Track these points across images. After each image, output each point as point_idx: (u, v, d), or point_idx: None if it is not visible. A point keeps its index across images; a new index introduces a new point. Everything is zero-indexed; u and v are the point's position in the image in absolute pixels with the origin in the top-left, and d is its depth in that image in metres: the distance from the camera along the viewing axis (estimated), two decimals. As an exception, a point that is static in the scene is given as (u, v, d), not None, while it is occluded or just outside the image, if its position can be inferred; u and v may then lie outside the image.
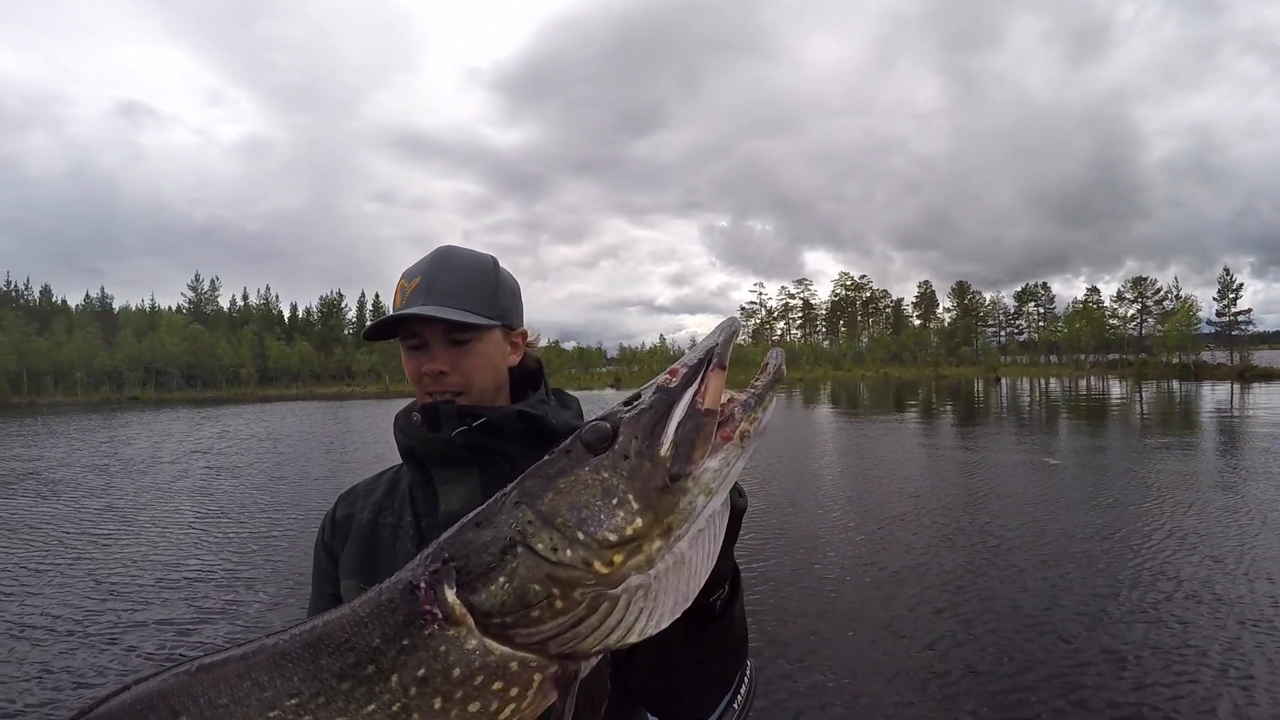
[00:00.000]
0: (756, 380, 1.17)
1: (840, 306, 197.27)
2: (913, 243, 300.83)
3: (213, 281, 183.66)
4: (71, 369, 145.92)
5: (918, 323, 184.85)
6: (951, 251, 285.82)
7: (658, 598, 1.07)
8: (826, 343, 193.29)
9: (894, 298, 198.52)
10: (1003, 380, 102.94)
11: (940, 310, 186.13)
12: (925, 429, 34.47)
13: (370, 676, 1.07)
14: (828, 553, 12.03)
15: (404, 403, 2.04)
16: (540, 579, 1.05)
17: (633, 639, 1.07)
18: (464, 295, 1.87)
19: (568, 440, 1.17)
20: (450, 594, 1.07)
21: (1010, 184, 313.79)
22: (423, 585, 1.09)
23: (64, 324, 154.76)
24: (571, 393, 2.04)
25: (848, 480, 19.53)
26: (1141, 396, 59.95)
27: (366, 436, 39.21)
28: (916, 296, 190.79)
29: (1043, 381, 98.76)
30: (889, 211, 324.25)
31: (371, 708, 1.05)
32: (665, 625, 1.08)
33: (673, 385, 1.15)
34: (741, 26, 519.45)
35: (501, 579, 1.06)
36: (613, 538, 1.05)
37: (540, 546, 1.06)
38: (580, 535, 1.06)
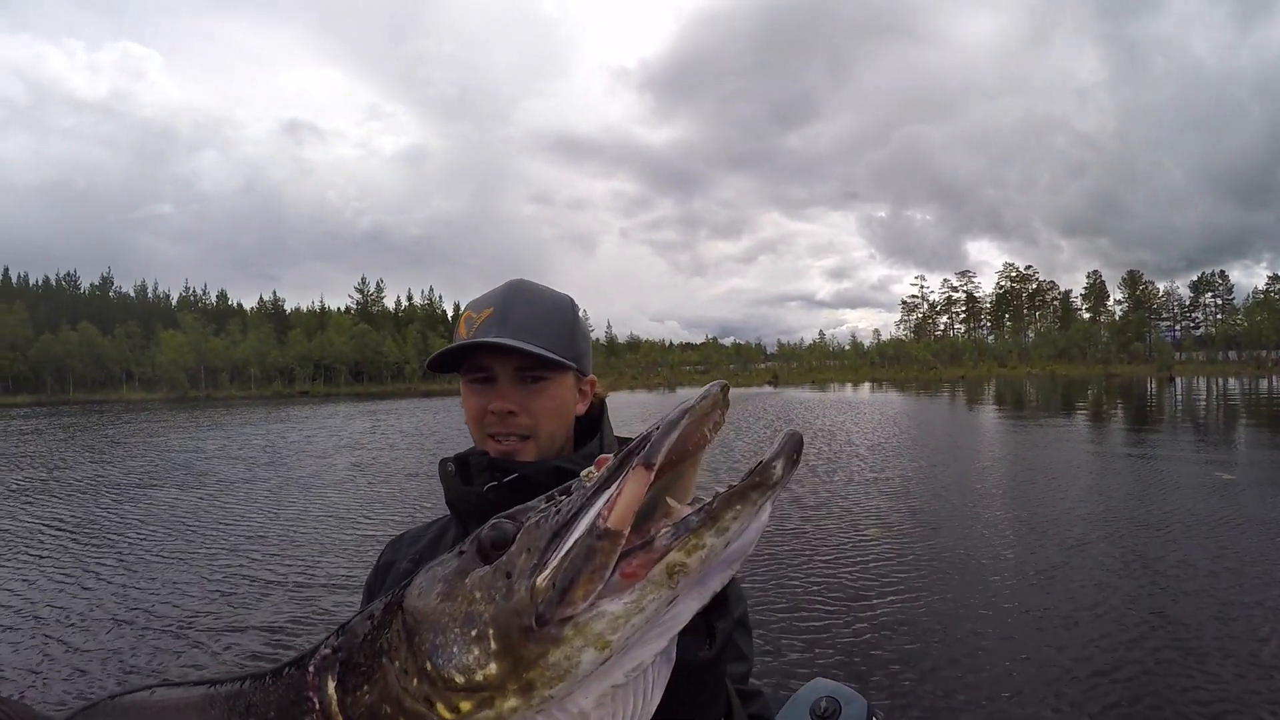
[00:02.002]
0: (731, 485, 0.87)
1: (1005, 299, 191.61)
2: (1080, 229, 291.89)
3: (378, 284, 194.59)
4: (246, 365, 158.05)
5: (1087, 316, 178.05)
6: (1122, 238, 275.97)
7: None
8: (991, 338, 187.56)
9: (1061, 289, 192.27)
10: (1177, 379, 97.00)
11: (1111, 302, 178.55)
12: (1094, 435, 31.67)
13: None
14: (981, 587, 10.50)
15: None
16: (391, 702, 0.93)
17: None
18: (540, 331, 1.72)
19: (469, 539, 1.02)
20: (331, 686, 0.99)
21: (1182, 161, 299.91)
22: (311, 669, 1.02)
23: (239, 325, 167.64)
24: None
25: (1007, 495, 17.54)
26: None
27: None
28: (1085, 288, 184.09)
29: (1220, 381, 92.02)
30: (1054, 196, 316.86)
31: None
32: None
33: (588, 484, 0.94)
34: (888, 8, 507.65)
35: (366, 687, 0.95)
36: (459, 680, 0.88)
37: (397, 665, 0.93)
38: (428, 666, 0.90)
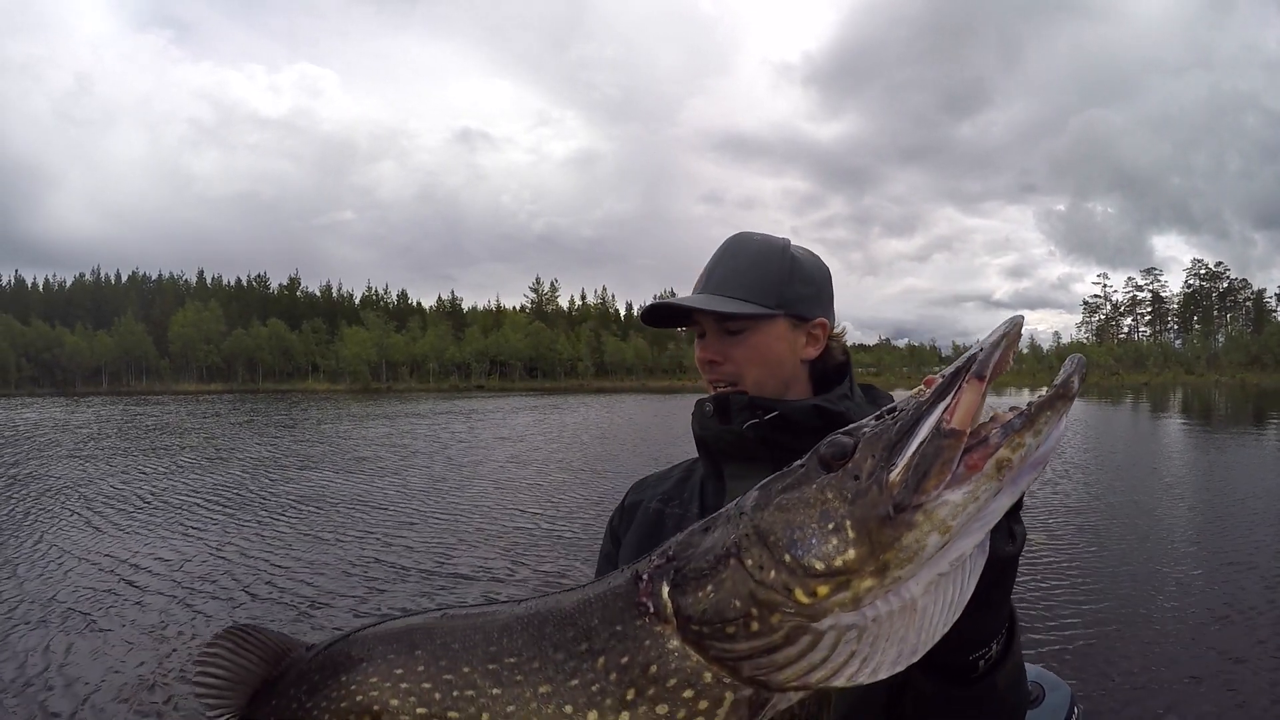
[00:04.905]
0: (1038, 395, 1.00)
1: (1194, 299, 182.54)
2: (1275, 219, 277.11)
3: (552, 283, 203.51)
4: (425, 360, 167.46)
5: None
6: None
7: (876, 644, 0.98)
8: (1178, 342, 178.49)
9: (1255, 288, 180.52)
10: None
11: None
12: None
13: (581, 653, 1.12)
14: (1156, 617, 9.47)
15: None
16: (742, 596, 1.02)
17: (839, 683, 0.99)
18: (740, 284, 1.82)
19: (809, 454, 1.11)
20: (665, 591, 1.08)
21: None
22: (645, 577, 1.12)
23: (419, 322, 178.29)
24: (899, 393, 1.75)
25: (1191, 518, 15.74)
26: None
27: (680, 432, 38.39)
28: None
29: None
30: (1246, 183, 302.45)
31: (574, 682, 1.11)
32: (884, 676, 0.99)
33: (924, 398, 1.05)
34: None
35: (709, 587, 1.04)
36: (819, 566, 0.98)
37: (749, 562, 1.02)
38: (786, 558, 1.00)
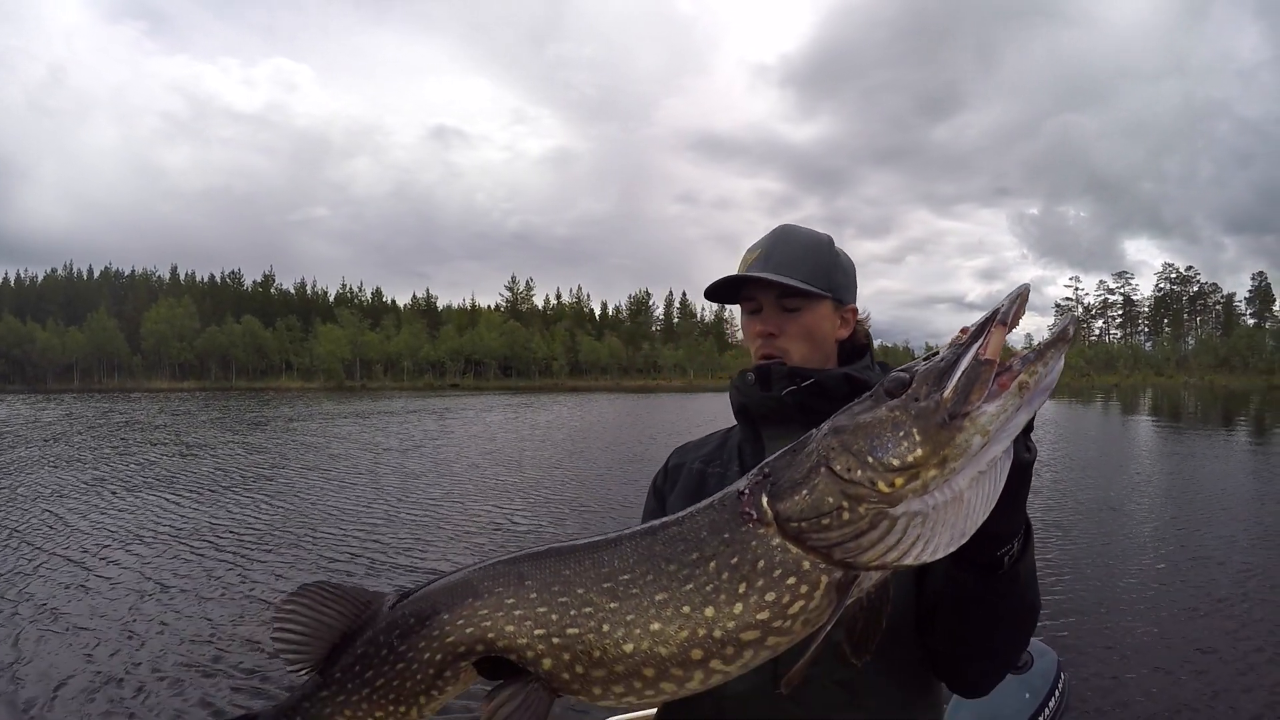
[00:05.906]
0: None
1: (1164, 303, 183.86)
2: (1246, 225, 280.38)
3: (528, 282, 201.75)
4: (399, 359, 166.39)
5: (1251, 322, 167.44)
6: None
7: (935, 528, 1.23)
8: (1149, 344, 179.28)
9: (1224, 292, 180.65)
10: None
11: (1277, 307, 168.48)
12: (1257, 453, 28.26)
13: (693, 561, 1.35)
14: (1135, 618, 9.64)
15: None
16: (834, 493, 1.27)
17: (909, 561, 1.24)
18: (797, 266, 2.03)
19: (874, 388, 1.36)
20: (764, 500, 1.32)
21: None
22: (746, 492, 1.36)
23: (393, 320, 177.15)
24: None
25: (1161, 515, 16.08)
26: None
27: (651, 431, 39.30)
28: (1250, 291, 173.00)
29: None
30: (1217, 189, 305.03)
31: (689, 586, 1.33)
32: (940, 556, 1.24)
33: (962, 341, 1.30)
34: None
35: (805, 491, 1.29)
36: (895, 463, 1.23)
37: (838, 467, 1.28)
38: (870, 459, 1.25)
